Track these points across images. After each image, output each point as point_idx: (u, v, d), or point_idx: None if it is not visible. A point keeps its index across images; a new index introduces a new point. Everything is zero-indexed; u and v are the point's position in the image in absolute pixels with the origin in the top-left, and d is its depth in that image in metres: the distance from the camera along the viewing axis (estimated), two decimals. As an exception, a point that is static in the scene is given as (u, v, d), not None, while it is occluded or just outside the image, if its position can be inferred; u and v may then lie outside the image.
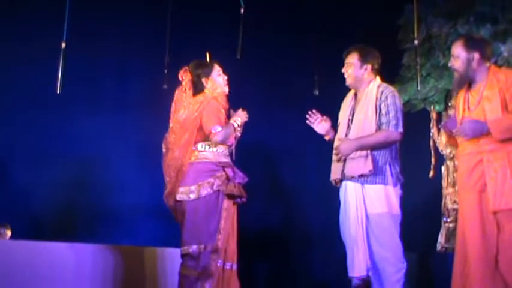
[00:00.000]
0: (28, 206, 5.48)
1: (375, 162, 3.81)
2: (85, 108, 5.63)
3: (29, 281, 3.82)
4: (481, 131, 3.45)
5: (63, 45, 4.34)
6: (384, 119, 3.85)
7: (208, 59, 4.07)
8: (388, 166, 3.84)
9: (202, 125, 3.82)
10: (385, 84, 4.01)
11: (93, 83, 5.72)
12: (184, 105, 3.88)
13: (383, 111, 3.86)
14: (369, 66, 3.99)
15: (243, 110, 4.01)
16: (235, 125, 3.91)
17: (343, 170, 3.93)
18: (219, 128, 3.78)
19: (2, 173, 5.46)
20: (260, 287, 5.78)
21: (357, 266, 3.82)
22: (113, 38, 5.66)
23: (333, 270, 5.25)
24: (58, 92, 4.29)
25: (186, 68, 3.99)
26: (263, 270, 5.67)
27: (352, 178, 3.88)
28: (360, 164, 3.83)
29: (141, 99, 5.57)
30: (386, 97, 3.88)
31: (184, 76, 3.98)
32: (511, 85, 3.43)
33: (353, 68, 3.99)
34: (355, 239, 3.83)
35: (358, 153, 3.84)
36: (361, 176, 3.83)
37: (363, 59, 3.99)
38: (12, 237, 5.23)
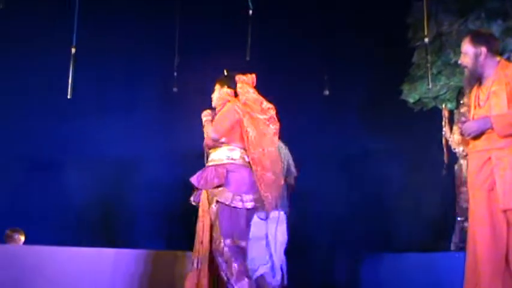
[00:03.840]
0: (45, 210, 5.45)
1: None
2: (95, 112, 5.63)
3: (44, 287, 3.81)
4: (484, 127, 3.42)
5: (73, 50, 4.36)
6: None
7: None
8: None
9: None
10: None
11: (103, 87, 5.72)
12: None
13: None
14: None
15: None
16: None
17: None
18: None
19: (15, 178, 5.46)
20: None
21: None
22: (122, 42, 5.66)
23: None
24: (69, 97, 4.31)
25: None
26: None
27: None
28: None
29: (151, 102, 5.56)
30: None
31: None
32: None
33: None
34: None
35: None
36: None
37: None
38: (26, 242, 5.23)
